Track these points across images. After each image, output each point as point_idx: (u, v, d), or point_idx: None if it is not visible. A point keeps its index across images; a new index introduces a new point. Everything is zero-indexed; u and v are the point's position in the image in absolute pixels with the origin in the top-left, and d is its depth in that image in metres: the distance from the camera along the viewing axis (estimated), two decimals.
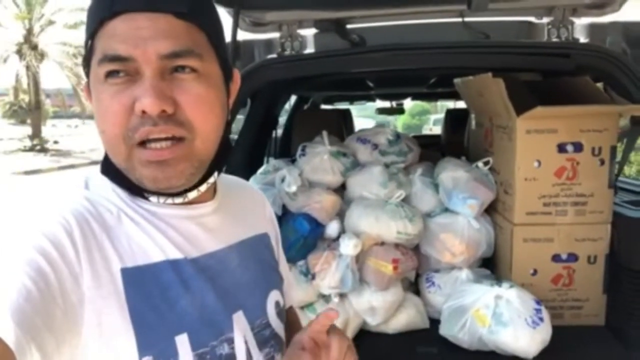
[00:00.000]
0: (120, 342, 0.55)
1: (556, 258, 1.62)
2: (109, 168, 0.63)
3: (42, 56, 18.34)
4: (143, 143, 0.57)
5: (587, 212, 1.59)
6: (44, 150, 17.87)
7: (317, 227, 1.68)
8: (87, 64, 0.60)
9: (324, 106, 4.02)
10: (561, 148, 1.57)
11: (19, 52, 18.35)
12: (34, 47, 18.27)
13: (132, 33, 0.55)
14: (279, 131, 3.06)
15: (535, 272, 1.63)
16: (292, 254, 1.66)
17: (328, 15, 1.53)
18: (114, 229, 0.59)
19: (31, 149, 18.15)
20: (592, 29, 1.52)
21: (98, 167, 0.65)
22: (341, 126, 2.60)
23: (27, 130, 19.72)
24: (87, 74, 0.60)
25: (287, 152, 2.69)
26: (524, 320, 1.41)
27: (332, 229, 1.70)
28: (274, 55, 1.62)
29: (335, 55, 1.52)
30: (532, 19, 1.59)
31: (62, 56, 18.17)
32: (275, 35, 1.65)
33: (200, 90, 0.59)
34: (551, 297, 1.62)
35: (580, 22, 1.50)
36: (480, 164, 1.83)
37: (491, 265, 1.80)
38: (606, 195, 1.59)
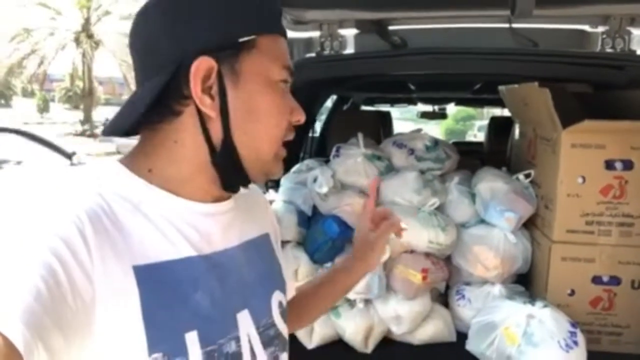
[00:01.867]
0: (130, 338, 0.56)
1: (596, 280, 1.53)
2: (222, 157, 0.64)
3: (97, 45, 19.07)
4: (283, 142, 0.67)
5: (634, 234, 1.50)
6: (93, 135, 18.58)
7: (347, 230, 1.65)
8: (235, 46, 0.62)
9: (364, 107, 3.98)
10: (609, 165, 1.49)
11: (76, 40, 19.16)
12: (90, 36, 19.00)
13: (288, 54, 0.67)
14: (317, 131, 3.06)
15: (572, 292, 1.55)
16: (320, 256, 1.65)
17: (370, 15, 1.50)
18: (127, 225, 0.59)
19: (82, 133, 18.91)
20: None
21: (113, 162, 0.64)
22: (379, 129, 2.56)
23: (80, 115, 20.56)
24: (230, 55, 0.61)
25: (323, 152, 2.68)
26: (556, 343, 1.34)
27: None
28: (312, 55, 1.60)
29: (375, 57, 1.49)
30: (585, 27, 1.51)
31: (116, 46, 18.85)
32: (315, 34, 1.64)
33: None
34: (588, 321, 1.53)
35: (639, 33, 1.41)
36: (521, 176, 1.75)
37: (526, 282, 1.72)
38: None
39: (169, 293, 0.59)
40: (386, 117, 3.16)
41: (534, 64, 1.40)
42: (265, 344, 0.70)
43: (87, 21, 19.20)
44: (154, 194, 0.63)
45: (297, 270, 1.63)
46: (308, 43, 1.67)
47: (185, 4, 0.62)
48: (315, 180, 1.75)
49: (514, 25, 1.41)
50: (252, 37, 0.62)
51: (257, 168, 0.66)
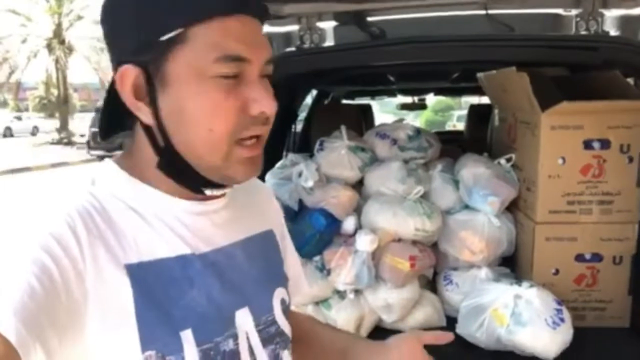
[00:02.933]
0: (122, 336, 0.55)
1: (579, 258, 1.57)
2: (168, 163, 0.62)
3: (70, 51, 18.72)
4: (237, 141, 0.60)
5: (614, 211, 1.54)
6: (70, 143, 18.26)
7: (334, 222, 1.66)
8: (158, 47, 0.56)
9: (345, 101, 3.99)
10: (587, 145, 1.52)
11: (49, 47, 18.78)
12: (62, 42, 18.65)
13: (248, 35, 0.58)
14: (299, 126, 3.06)
15: (557, 271, 1.58)
16: (308, 250, 1.65)
17: (348, 7, 1.51)
18: (119, 224, 0.59)
19: (59, 141, 18.57)
20: (625, 22, 1.46)
21: (107, 164, 0.65)
22: (361, 122, 2.58)
23: (56, 123, 20.18)
24: (155, 57, 0.57)
25: (306, 147, 2.68)
26: (543, 321, 1.37)
27: (349, 224, 1.68)
28: (292, 49, 1.60)
29: (354, 48, 1.50)
30: (559, 11, 1.54)
31: (90, 51, 18.53)
32: (293, 28, 1.64)
33: (273, 94, 0.62)
34: (573, 298, 1.57)
35: (612, 15, 1.44)
36: (502, 160, 1.78)
37: (512, 264, 1.75)
38: (634, 194, 1.53)
39: (162, 291, 0.59)
40: (367, 110, 3.18)
41: (512, 49, 1.42)
42: (265, 342, 0.69)
43: (58, 27, 18.82)
44: (146, 193, 0.63)
45: None
46: (287, 37, 1.67)
47: (112, 10, 0.60)
48: (300, 174, 1.75)
49: (490, 12, 1.43)
50: (178, 31, 0.56)
51: (211, 172, 0.62)
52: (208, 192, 0.64)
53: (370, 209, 1.68)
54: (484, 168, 1.75)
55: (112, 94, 0.61)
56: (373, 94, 4.33)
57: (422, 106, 5.14)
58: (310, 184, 1.70)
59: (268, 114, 0.60)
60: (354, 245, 1.59)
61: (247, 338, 0.66)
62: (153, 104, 0.59)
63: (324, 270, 1.62)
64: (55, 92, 20.88)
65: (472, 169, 1.76)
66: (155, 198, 0.63)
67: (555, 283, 1.57)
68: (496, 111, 2.10)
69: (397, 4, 1.49)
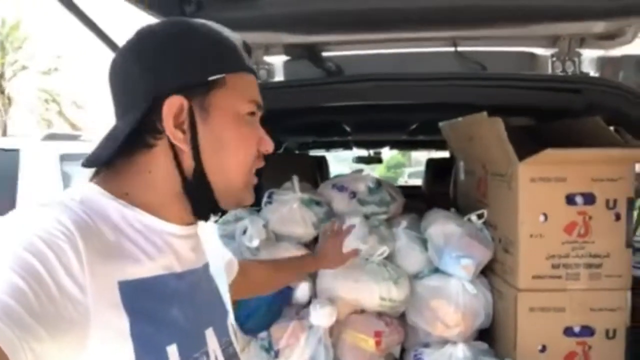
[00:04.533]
0: (119, 351, 0.58)
1: (568, 332, 1.35)
2: (193, 187, 0.68)
3: (9, 101, 17.96)
4: (251, 170, 0.70)
5: (603, 276, 1.35)
6: None
7: (283, 290, 1.38)
8: (204, 85, 0.67)
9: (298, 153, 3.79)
10: (570, 200, 1.34)
11: None
12: (2, 92, 17.90)
13: (258, 90, 0.73)
14: None
15: (544, 348, 1.36)
16: (252, 325, 1.36)
17: (300, 39, 1.31)
18: (112, 242, 0.62)
19: None
20: (602, 62, 1.33)
21: (89, 186, 0.67)
22: (315, 174, 2.35)
23: None
24: (200, 93, 0.67)
25: (255, 199, 2.41)
26: None
27: (302, 293, 1.42)
28: None
29: (305, 85, 1.29)
30: (534, 50, 1.40)
31: (35, 102, 17.82)
32: None
33: None
34: None
35: (589, 55, 1.31)
36: (473, 217, 1.58)
37: (488, 339, 1.51)
38: (624, 256, 1.35)
39: (151, 307, 0.63)
40: (322, 162, 2.97)
41: (485, 89, 1.26)
42: None
43: (1, 76, 18.11)
44: (133, 214, 0.66)
45: None
46: None
47: (159, 48, 0.67)
48: (244, 232, 1.49)
49: (460, 49, 1.27)
50: (221, 75, 0.67)
51: (229, 196, 0.70)
52: (213, 217, 0.73)
53: (327, 274, 1.42)
54: (455, 225, 1.54)
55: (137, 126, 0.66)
56: (328, 146, 4.17)
57: (378, 160, 5.02)
58: (255, 243, 1.43)
59: (270, 152, 0.72)
60: (307, 319, 1.32)
61: (216, 356, 0.71)
62: (193, 131, 0.66)
63: (271, 351, 1.32)
64: None
65: (442, 226, 1.55)
66: (142, 220, 0.67)
67: None
68: (461, 163, 1.93)
69: (355, 37, 1.31)
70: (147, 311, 0.62)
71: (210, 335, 0.72)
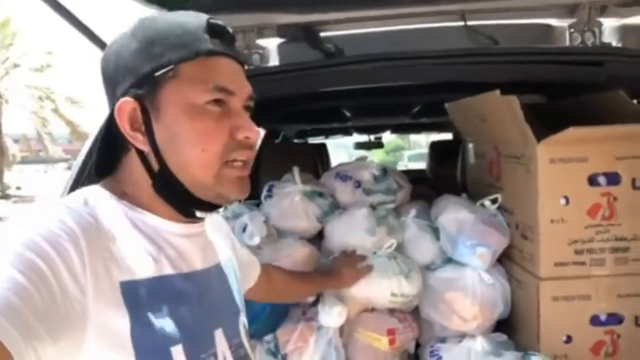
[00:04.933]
0: (118, 352, 0.58)
1: (595, 320, 1.26)
2: (164, 185, 0.67)
3: (1, 99, 17.81)
4: (227, 162, 0.66)
5: (630, 260, 1.26)
6: (5, 196, 17.13)
7: None
8: (152, 81, 0.65)
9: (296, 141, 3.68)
10: (592, 180, 1.25)
11: None
12: None
13: (232, 72, 0.68)
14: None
15: (569, 339, 1.27)
16: (257, 327, 1.27)
17: (295, 19, 1.20)
18: (115, 242, 0.62)
19: None
20: (625, 31, 1.23)
21: (94, 188, 0.68)
22: (316, 162, 2.25)
23: None
24: (149, 91, 0.65)
25: (253, 193, 2.32)
26: None
27: None
28: None
29: (303, 69, 1.19)
30: (550, 21, 1.29)
31: (29, 100, 17.66)
32: None
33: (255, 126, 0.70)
34: None
35: (610, 24, 1.21)
36: (486, 202, 1.49)
37: (509, 330, 1.43)
38: None
39: (154, 308, 0.62)
40: (322, 150, 2.86)
41: (498, 65, 1.15)
42: None
43: None
44: (135, 214, 0.66)
45: None
46: None
47: (115, 53, 0.67)
48: (244, 229, 1.39)
49: (469, 23, 1.16)
50: (169, 68, 0.64)
51: (203, 192, 0.67)
52: (199, 214, 0.69)
53: None
54: (467, 212, 1.45)
55: (107, 130, 0.68)
56: (327, 133, 4.06)
57: (378, 145, 4.91)
58: (256, 241, 1.34)
59: (252, 139, 0.68)
60: (316, 320, 1.23)
61: (224, 358, 0.71)
62: (149, 131, 0.65)
63: (278, 355, 1.24)
64: None
65: (453, 213, 1.46)
66: (146, 220, 0.67)
67: (569, 353, 1.26)
68: (470, 145, 1.83)
69: (355, 15, 1.20)
70: (150, 312, 0.62)
71: (219, 336, 0.71)
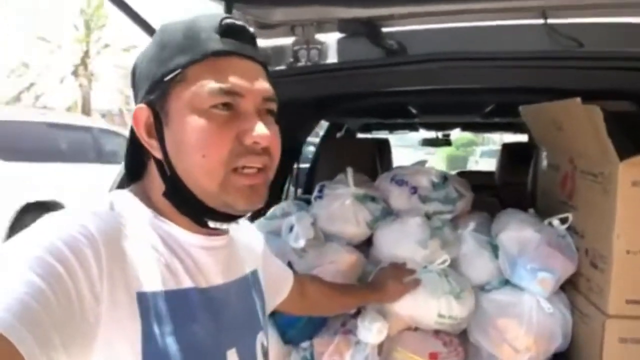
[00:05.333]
0: None
1: None
2: (174, 193, 0.65)
3: (93, 77, 19.08)
4: (235, 169, 0.63)
5: None
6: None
7: None
8: (163, 86, 0.63)
9: (361, 135, 3.60)
10: None
11: (75, 74, 19.14)
12: (87, 69, 19.04)
13: (243, 73, 0.64)
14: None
15: None
16: (293, 334, 1.24)
17: (356, 13, 1.13)
18: (136, 252, 0.61)
19: None
20: None
21: (123, 193, 0.67)
22: (375, 159, 2.17)
23: None
24: (160, 96, 0.64)
25: (311, 190, 2.29)
26: None
27: None
28: (282, 67, 1.23)
29: (363, 67, 1.12)
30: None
31: (117, 78, 18.78)
32: (287, 41, 1.27)
33: (277, 131, 0.68)
34: None
35: None
36: (555, 221, 1.35)
37: None
38: None
39: (168, 322, 0.61)
40: (384, 146, 2.77)
41: (582, 71, 1.02)
42: None
43: (85, 54, 19.20)
44: (160, 224, 0.65)
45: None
46: (279, 52, 1.29)
47: (139, 58, 0.68)
48: (291, 229, 1.35)
49: (550, 21, 1.04)
50: (177, 71, 0.62)
51: (212, 201, 0.64)
52: (211, 224, 0.66)
53: None
54: (532, 231, 1.32)
55: (132, 135, 0.68)
56: (391, 128, 3.94)
57: (446, 142, 4.72)
58: (301, 244, 1.30)
59: (262, 145, 0.63)
60: (354, 333, 1.17)
61: None
62: (160, 138, 0.64)
63: None
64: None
65: (516, 232, 1.33)
66: (168, 230, 0.65)
67: None
68: (544, 154, 1.68)
69: (422, 9, 1.11)
70: (164, 326, 0.60)
71: (232, 356, 0.69)
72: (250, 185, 0.64)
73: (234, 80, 0.63)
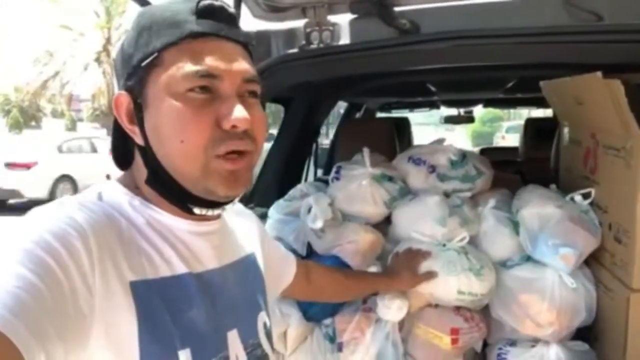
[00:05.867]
0: (123, 354, 0.56)
1: None
2: (156, 180, 0.64)
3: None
4: (217, 155, 0.61)
5: None
6: None
7: None
8: (140, 72, 0.62)
9: (380, 114, 3.57)
10: None
11: (98, 60, 19.40)
12: (110, 55, 19.26)
13: (221, 55, 0.62)
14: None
15: None
16: (315, 311, 1.27)
17: None
18: (127, 241, 0.60)
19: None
20: None
21: (112, 183, 0.67)
22: (394, 139, 2.16)
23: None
24: (138, 82, 0.62)
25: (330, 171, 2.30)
26: None
27: None
28: (294, 50, 1.23)
29: (376, 48, 1.11)
30: None
31: None
32: (299, 23, 1.26)
33: (261, 113, 0.66)
34: None
35: None
36: (577, 196, 1.33)
37: (591, 338, 1.29)
38: None
39: (164, 310, 0.60)
40: (403, 125, 2.74)
41: (603, 44, 0.99)
42: None
43: (107, 41, 19.42)
44: (150, 211, 0.64)
45: (286, 332, 1.24)
46: (290, 35, 1.29)
47: (121, 44, 0.67)
48: (309, 210, 1.37)
49: None
50: (153, 56, 0.61)
51: (193, 185, 0.63)
52: (197, 210, 0.65)
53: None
54: (553, 207, 1.31)
55: (117, 125, 0.67)
56: (412, 106, 3.89)
57: (469, 119, 4.65)
58: (319, 224, 1.31)
59: (242, 128, 0.61)
60: (374, 311, 1.19)
61: (237, 359, 0.68)
62: (141, 125, 0.63)
63: (335, 343, 1.22)
64: (104, 103, 21.47)
65: (537, 208, 1.32)
66: (157, 217, 0.65)
67: None
68: (566, 130, 1.65)
69: None
70: (160, 314, 0.60)
71: (233, 337, 0.68)
72: (232, 171, 0.62)
73: (211, 62, 0.60)
